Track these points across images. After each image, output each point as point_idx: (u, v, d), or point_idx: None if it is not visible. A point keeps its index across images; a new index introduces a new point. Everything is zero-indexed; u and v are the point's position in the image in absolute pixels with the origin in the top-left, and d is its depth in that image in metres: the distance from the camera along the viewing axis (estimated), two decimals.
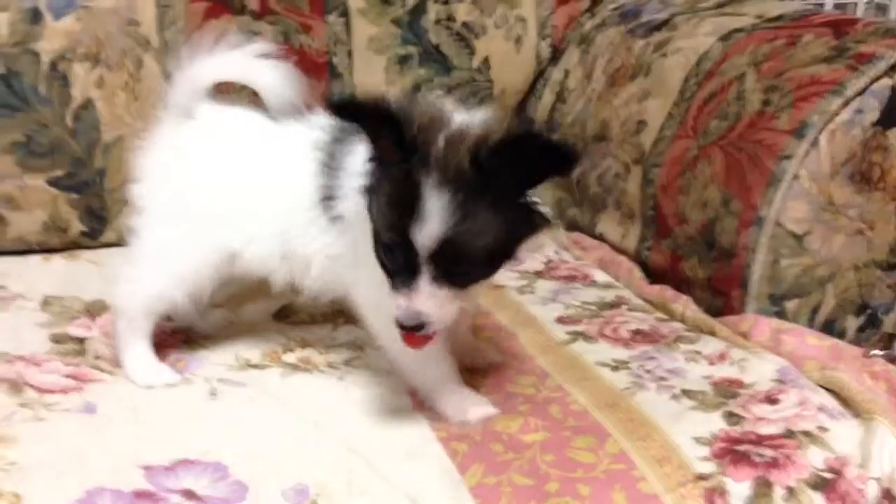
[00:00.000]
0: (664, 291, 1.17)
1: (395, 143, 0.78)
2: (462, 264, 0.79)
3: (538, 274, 1.26)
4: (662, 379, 0.96)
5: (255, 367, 1.00)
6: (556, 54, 1.54)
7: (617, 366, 0.99)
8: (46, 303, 1.14)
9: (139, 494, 0.76)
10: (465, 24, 1.46)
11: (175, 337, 1.06)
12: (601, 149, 1.35)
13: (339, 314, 1.10)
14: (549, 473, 0.81)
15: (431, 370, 0.92)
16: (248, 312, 1.13)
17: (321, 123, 0.94)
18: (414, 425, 0.89)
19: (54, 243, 1.30)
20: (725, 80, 1.16)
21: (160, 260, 0.96)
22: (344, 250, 0.91)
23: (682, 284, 1.16)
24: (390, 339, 0.88)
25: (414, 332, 0.81)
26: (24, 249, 1.28)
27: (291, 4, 1.34)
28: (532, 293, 1.19)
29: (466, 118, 0.82)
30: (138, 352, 0.98)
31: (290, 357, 1.02)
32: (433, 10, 1.42)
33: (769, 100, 1.08)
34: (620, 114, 1.33)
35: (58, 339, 1.05)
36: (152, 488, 0.77)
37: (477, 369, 0.99)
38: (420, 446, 0.85)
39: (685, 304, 1.12)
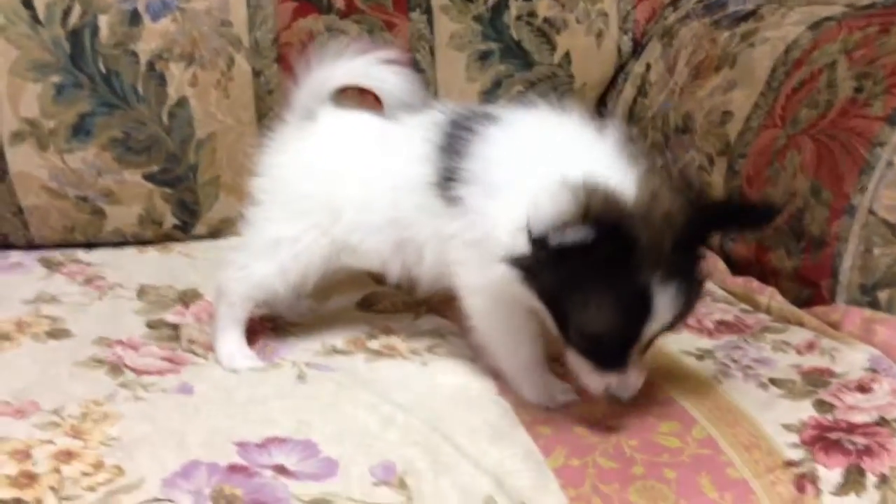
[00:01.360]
0: (749, 283, 1.15)
1: (614, 249, 0.76)
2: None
3: None
4: (749, 368, 0.94)
5: (340, 352, 1.03)
6: (638, 48, 1.53)
7: (702, 355, 0.98)
8: (142, 291, 1.19)
9: (233, 468, 0.79)
10: (546, 20, 1.46)
11: (264, 324, 1.09)
12: (684, 142, 1.34)
13: (421, 304, 1.12)
14: (635, 457, 0.81)
15: (520, 354, 0.92)
16: (332, 302, 1.16)
17: (437, 115, 0.96)
18: (498, 409, 0.90)
19: (148, 236, 1.35)
20: (815, 69, 1.14)
21: (272, 252, 0.99)
22: (458, 231, 0.90)
23: (768, 276, 1.14)
24: (486, 319, 0.91)
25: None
26: (120, 241, 1.34)
27: (376, 3, 1.37)
28: None
29: (622, 183, 0.81)
30: (232, 337, 1.02)
31: (375, 344, 1.04)
32: (514, 7, 1.43)
33: (861, 87, 1.06)
34: (704, 105, 1.31)
35: (153, 325, 1.10)
36: (245, 463, 0.80)
37: (560, 357, 0.99)
38: (504, 428, 0.86)
39: (771, 296, 1.10)
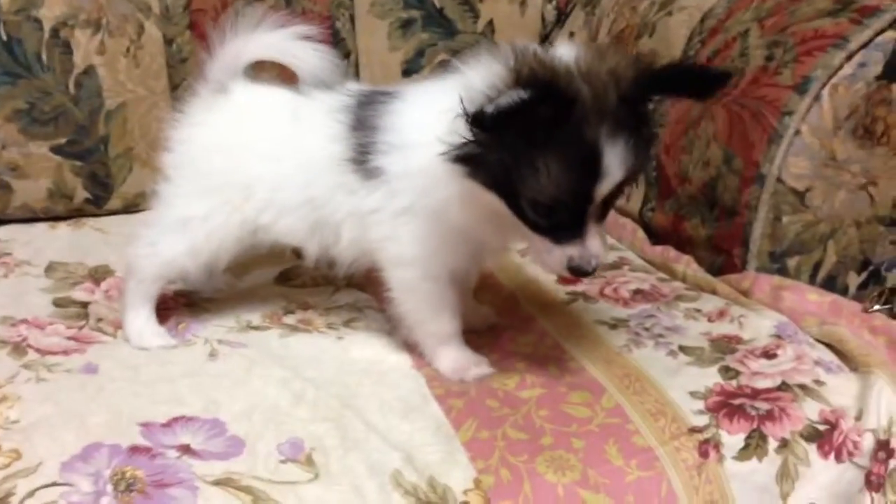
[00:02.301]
0: (666, 252, 1.16)
1: (553, 108, 0.74)
2: (616, 198, 0.81)
3: None
4: (660, 336, 0.95)
5: (255, 328, 1.01)
6: (562, 17, 1.52)
7: (616, 324, 0.99)
8: (51, 268, 1.15)
9: (135, 449, 0.77)
10: None
11: (177, 300, 1.07)
12: None
13: (340, 278, 1.10)
14: (544, 427, 0.81)
15: (438, 325, 0.92)
16: (250, 276, 1.14)
17: (346, 91, 0.94)
18: (411, 382, 0.90)
19: (59, 211, 1.31)
20: (729, 37, 1.14)
21: (182, 229, 0.97)
22: (377, 205, 0.89)
23: (684, 245, 1.16)
24: (410, 292, 0.91)
25: (586, 275, 0.81)
26: (29, 217, 1.30)
27: None
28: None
29: (563, 52, 0.80)
30: (141, 314, 0.99)
31: (291, 319, 1.03)
32: None
33: (772, 55, 1.07)
34: None
35: (60, 304, 1.06)
36: (149, 444, 0.78)
37: (476, 329, 0.99)
38: (416, 403, 0.86)
39: (687, 264, 1.11)
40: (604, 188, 0.77)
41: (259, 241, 0.99)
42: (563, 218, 0.79)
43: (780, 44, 1.07)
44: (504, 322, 1.01)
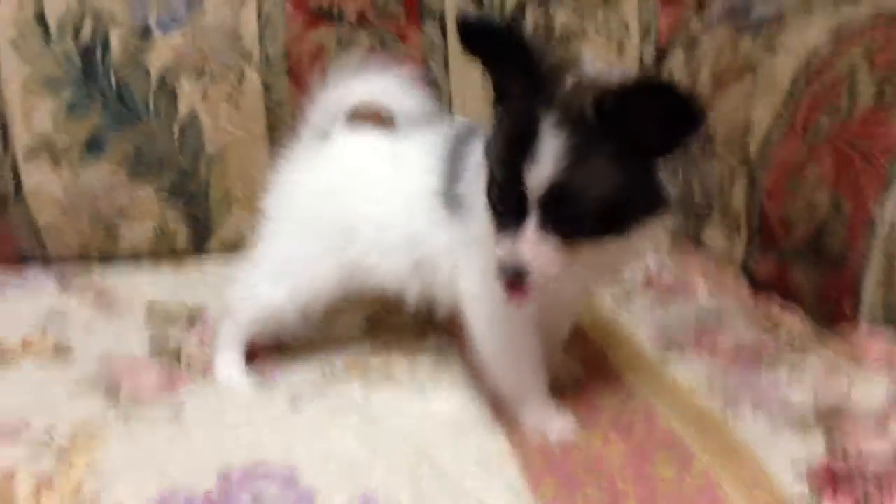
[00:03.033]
0: (770, 304, 1.10)
1: (522, 77, 0.76)
2: (571, 212, 0.75)
3: (637, 287, 1.21)
4: (760, 399, 0.89)
5: (338, 377, 1.01)
6: (661, 55, 1.48)
7: (711, 384, 0.94)
8: (151, 309, 1.18)
9: (209, 497, 0.77)
10: (563, 29, 1.42)
11: (265, 343, 1.07)
12: (706, 151, 1.29)
13: (425, 326, 1.09)
14: (627, 491, 0.77)
15: (521, 378, 0.89)
16: (338, 323, 1.14)
17: (442, 127, 0.95)
18: (491, 437, 0.87)
19: (163, 252, 1.35)
20: (837, 76, 1.08)
21: (284, 272, 0.98)
22: (458, 235, 0.89)
23: (790, 295, 1.09)
24: (488, 334, 0.88)
25: (514, 281, 0.77)
26: (134, 257, 1.34)
27: (388, 14, 1.34)
28: (628, 306, 1.15)
29: (602, 69, 0.79)
30: (232, 356, 1.01)
31: (374, 367, 1.02)
32: (531, 16, 1.39)
33: (883, 93, 1.00)
34: (727, 115, 1.26)
35: (156, 344, 1.09)
36: (223, 493, 0.78)
37: (562, 383, 0.95)
38: (494, 458, 0.83)
39: (792, 317, 1.04)
40: (534, 175, 0.74)
41: (358, 286, 0.98)
42: (506, 202, 0.77)
43: (891, 80, 1.00)
44: (591, 377, 0.97)
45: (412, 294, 0.95)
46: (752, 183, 1.17)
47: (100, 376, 1.00)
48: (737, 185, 1.21)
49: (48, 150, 1.27)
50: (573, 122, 0.73)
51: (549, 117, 0.74)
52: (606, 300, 1.15)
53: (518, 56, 0.76)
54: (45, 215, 1.30)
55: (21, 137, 1.27)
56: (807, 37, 1.16)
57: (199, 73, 1.29)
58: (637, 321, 1.10)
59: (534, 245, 0.76)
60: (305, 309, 0.98)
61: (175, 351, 1.07)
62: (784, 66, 1.18)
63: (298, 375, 1.01)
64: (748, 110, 1.22)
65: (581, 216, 0.76)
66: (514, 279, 0.77)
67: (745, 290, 1.16)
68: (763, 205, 1.14)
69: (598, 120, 0.73)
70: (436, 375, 1.00)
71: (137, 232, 1.33)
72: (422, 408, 0.93)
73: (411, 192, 0.92)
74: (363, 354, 1.05)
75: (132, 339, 1.10)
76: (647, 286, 1.21)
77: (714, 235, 1.26)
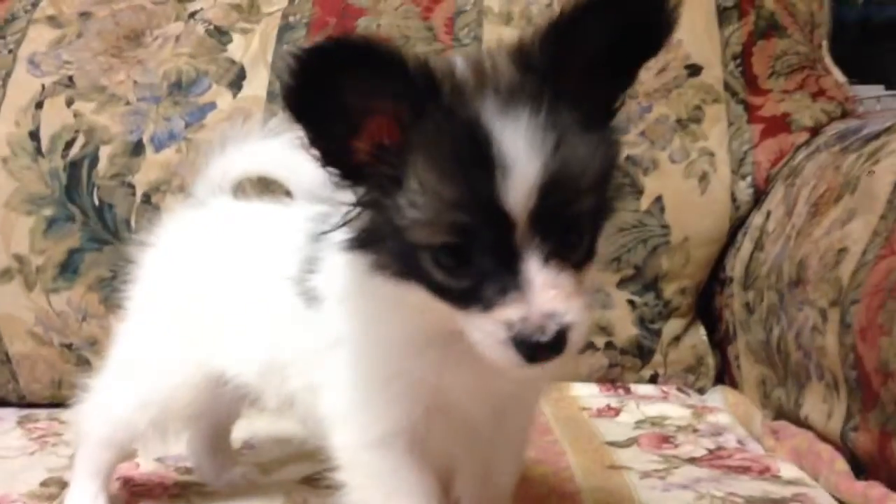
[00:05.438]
0: (870, 489, 0.75)
1: (411, 98, 0.51)
2: (572, 213, 0.51)
3: (691, 460, 0.89)
4: None
5: None
6: (761, 195, 1.20)
7: None
8: None
9: None
10: (629, 158, 1.18)
11: (165, 488, 0.85)
12: (797, 296, 0.97)
13: None
14: None
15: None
16: (275, 474, 0.88)
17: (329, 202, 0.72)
18: None
19: None
20: None
21: (129, 375, 0.78)
22: (315, 339, 0.64)
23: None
24: (357, 457, 0.63)
25: (549, 354, 0.50)
26: None
27: None
28: (661, 478, 0.82)
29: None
30: (88, 491, 0.78)
31: None
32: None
33: None
34: (820, 247, 0.96)
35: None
36: None
37: None
38: None
39: None
40: (517, 189, 0.48)
41: (216, 392, 0.74)
42: (475, 260, 0.50)
43: None
44: None
45: (270, 399, 0.70)
46: (843, 323, 0.85)
47: None
48: (828, 332, 0.88)
49: (22, 272, 1.15)
50: (520, 98, 0.50)
51: (488, 108, 0.50)
52: (635, 473, 0.83)
53: (392, 79, 0.51)
54: (16, 344, 1.16)
55: None
56: None
57: (188, 192, 1.15)
58: (655, 495, 0.77)
59: (552, 289, 0.50)
60: (161, 423, 0.75)
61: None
62: (885, 173, 0.88)
63: None
64: (843, 237, 0.92)
65: (583, 219, 0.53)
66: (553, 343, 0.50)
67: (840, 473, 0.80)
68: (857, 350, 0.80)
69: (548, 64, 0.51)
70: None
71: None
72: None
73: (267, 278, 0.69)
74: None
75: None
76: (705, 462, 0.88)
77: (814, 407, 0.91)
